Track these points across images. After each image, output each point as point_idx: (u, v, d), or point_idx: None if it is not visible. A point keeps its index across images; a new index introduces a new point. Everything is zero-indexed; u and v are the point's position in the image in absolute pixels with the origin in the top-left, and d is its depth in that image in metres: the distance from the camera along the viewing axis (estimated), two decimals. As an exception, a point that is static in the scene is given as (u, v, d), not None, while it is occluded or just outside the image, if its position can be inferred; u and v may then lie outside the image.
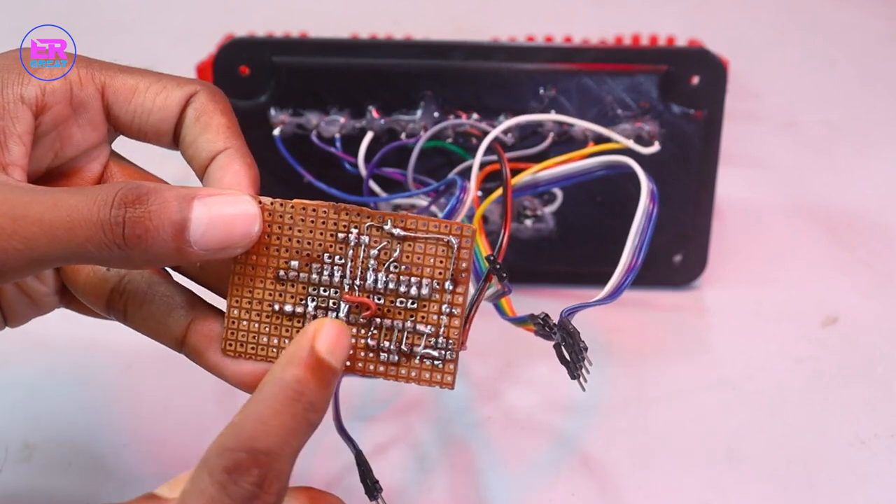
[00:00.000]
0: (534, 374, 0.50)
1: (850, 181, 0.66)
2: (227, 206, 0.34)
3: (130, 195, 0.33)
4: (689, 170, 0.53)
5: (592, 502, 0.44)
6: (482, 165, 0.48)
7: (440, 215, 0.40)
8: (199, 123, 0.37)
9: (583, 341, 0.35)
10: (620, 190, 0.50)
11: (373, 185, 0.50)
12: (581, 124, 0.48)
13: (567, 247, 0.54)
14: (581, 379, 0.35)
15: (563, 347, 0.35)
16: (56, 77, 0.36)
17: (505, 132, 0.50)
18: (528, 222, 0.53)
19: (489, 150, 0.45)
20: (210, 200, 0.33)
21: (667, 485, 0.45)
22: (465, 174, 0.49)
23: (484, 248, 0.41)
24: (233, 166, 0.36)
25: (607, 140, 0.49)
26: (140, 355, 0.50)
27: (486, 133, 0.48)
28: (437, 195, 0.47)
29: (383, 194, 0.50)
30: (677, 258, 0.55)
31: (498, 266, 0.35)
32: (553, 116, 0.49)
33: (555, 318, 0.36)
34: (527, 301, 0.41)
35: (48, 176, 0.38)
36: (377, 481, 0.39)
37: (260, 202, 0.35)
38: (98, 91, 0.37)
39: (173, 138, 0.38)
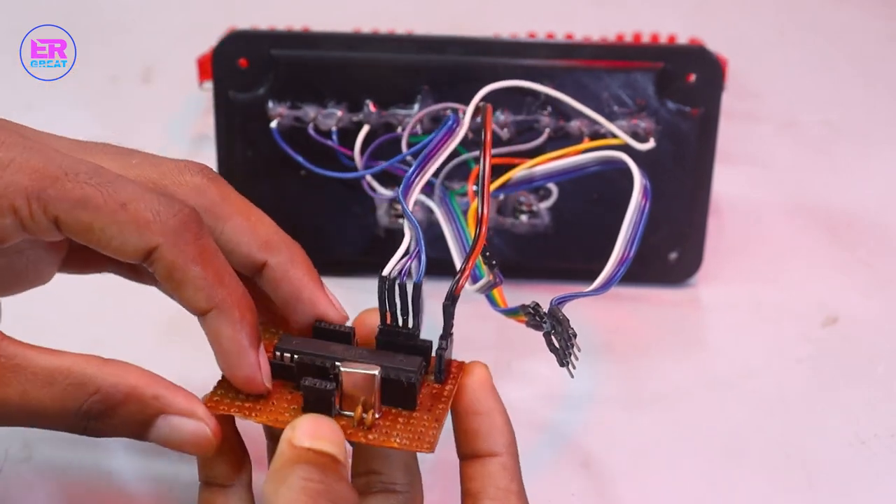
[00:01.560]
0: (533, 374, 0.50)
1: (850, 181, 0.66)
2: (186, 431, 0.34)
3: (95, 409, 0.33)
4: (684, 167, 0.53)
5: (592, 502, 0.44)
6: (478, 160, 0.49)
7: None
8: (173, 281, 0.34)
9: (572, 328, 0.35)
10: (616, 186, 0.50)
11: (370, 180, 0.50)
12: (576, 105, 0.48)
13: (562, 243, 0.54)
14: (570, 366, 0.35)
15: (552, 336, 0.36)
16: (6, 216, 0.33)
17: (501, 126, 0.50)
18: (524, 218, 0.54)
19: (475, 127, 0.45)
20: (175, 422, 0.34)
21: (666, 485, 0.45)
22: (459, 172, 0.49)
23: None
24: (225, 331, 0.35)
25: (603, 135, 0.50)
26: (140, 355, 0.50)
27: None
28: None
29: (380, 189, 0.50)
30: (673, 256, 0.55)
31: (488, 254, 0.36)
32: (547, 90, 0.49)
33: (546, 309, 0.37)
34: (522, 297, 0.40)
35: None
36: None
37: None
38: (51, 222, 0.34)
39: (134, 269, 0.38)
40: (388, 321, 0.36)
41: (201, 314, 0.35)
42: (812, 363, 0.51)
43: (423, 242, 0.36)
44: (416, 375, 0.34)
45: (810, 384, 0.50)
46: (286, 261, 0.37)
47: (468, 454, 0.35)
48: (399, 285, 0.35)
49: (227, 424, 0.36)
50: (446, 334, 0.36)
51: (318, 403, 0.34)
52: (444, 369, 0.36)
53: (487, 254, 0.37)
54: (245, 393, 0.36)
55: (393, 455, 0.36)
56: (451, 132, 0.42)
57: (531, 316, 0.37)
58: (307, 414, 0.33)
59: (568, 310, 0.38)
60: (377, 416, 0.34)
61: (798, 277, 0.57)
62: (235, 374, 0.35)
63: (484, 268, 0.40)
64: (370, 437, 0.34)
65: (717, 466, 0.46)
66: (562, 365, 0.35)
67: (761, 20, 0.83)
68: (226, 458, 0.36)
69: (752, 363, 0.52)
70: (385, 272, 0.35)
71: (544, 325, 0.36)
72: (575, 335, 0.35)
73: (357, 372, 0.34)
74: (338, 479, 0.31)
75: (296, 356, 0.35)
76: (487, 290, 0.40)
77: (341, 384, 0.34)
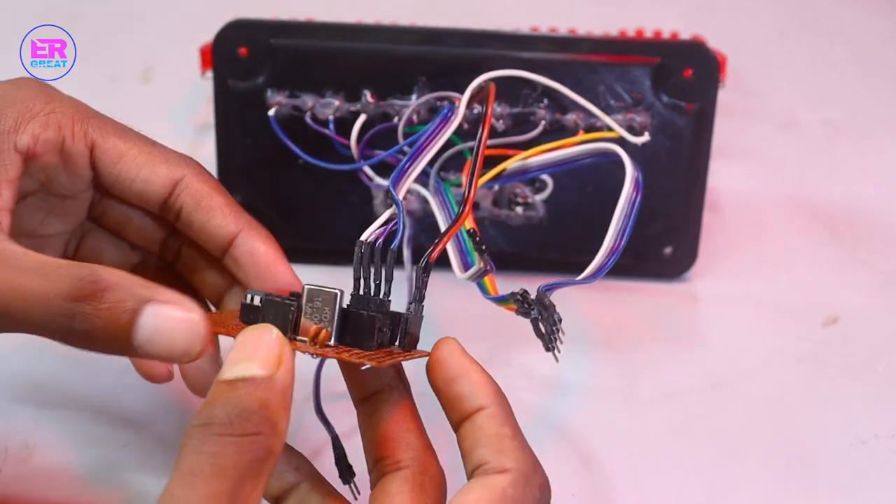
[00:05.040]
0: (533, 375, 0.50)
1: (850, 181, 0.66)
2: (174, 321, 0.32)
3: (86, 290, 0.32)
4: (679, 162, 0.53)
5: (592, 502, 0.44)
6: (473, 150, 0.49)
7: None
8: (201, 209, 0.38)
9: (557, 313, 0.35)
10: (611, 179, 0.50)
11: (367, 169, 0.51)
12: (571, 96, 0.49)
13: (557, 235, 0.54)
14: (555, 351, 0.35)
15: (539, 322, 0.36)
16: (51, 130, 0.37)
17: (497, 118, 0.50)
18: (519, 209, 0.54)
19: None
20: (162, 309, 0.32)
21: (667, 485, 0.45)
22: (454, 163, 0.49)
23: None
24: (258, 248, 0.38)
25: (599, 129, 0.50)
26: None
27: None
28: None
29: (377, 179, 0.51)
30: (668, 250, 0.55)
31: (478, 239, 0.36)
32: (543, 79, 0.49)
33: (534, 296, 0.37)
34: (516, 288, 0.41)
35: None
36: (351, 466, 0.40)
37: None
38: (87, 148, 0.38)
39: (159, 209, 0.40)
40: (362, 291, 0.35)
41: (230, 239, 0.38)
42: (812, 363, 0.52)
43: (403, 216, 0.36)
44: (374, 314, 0.34)
45: (810, 384, 0.50)
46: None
47: (458, 421, 0.35)
48: (376, 249, 0.35)
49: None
50: (416, 300, 0.35)
51: (276, 319, 0.34)
52: (408, 337, 0.35)
53: (478, 239, 0.37)
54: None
55: (392, 433, 0.35)
56: (445, 120, 0.42)
57: (520, 303, 0.37)
58: (250, 327, 0.32)
59: (565, 303, 0.38)
60: (331, 335, 0.34)
61: (798, 277, 0.58)
62: (278, 280, 0.38)
63: (475, 255, 0.40)
64: (318, 349, 0.33)
65: (717, 466, 0.46)
66: (547, 350, 0.36)
67: (763, 19, 0.83)
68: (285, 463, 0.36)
69: (749, 359, 0.52)
70: (363, 237, 0.35)
71: (532, 312, 0.36)
72: (560, 320, 0.35)
73: (321, 287, 0.34)
74: (228, 406, 0.30)
75: (266, 297, 0.35)
76: (478, 278, 0.41)
77: (301, 306, 0.34)
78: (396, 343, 0.35)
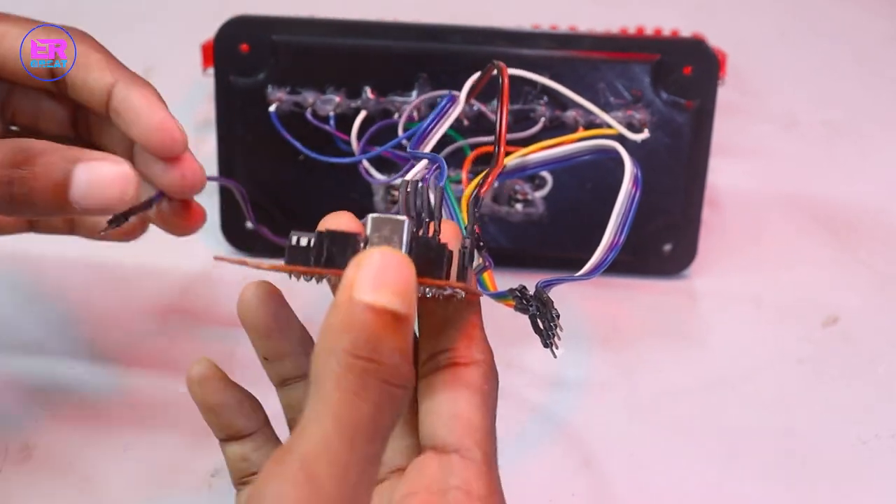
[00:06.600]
0: (532, 372, 0.51)
1: (850, 181, 0.66)
2: (105, 172, 0.36)
3: (18, 156, 0.36)
4: (679, 159, 0.53)
5: (592, 502, 0.44)
6: (473, 147, 0.49)
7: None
8: (79, 67, 0.40)
9: (555, 309, 0.35)
10: (611, 176, 0.50)
11: (366, 164, 0.51)
12: (571, 95, 0.49)
13: (556, 231, 0.54)
14: (553, 347, 0.35)
15: (537, 318, 0.36)
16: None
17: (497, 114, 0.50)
18: (519, 206, 0.54)
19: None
20: (92, 165, 0.36)
21: (667, 485, 0.45)
22: (454, 159, 0.49)
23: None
24: (132, 95, 0.39)
25: (599, 126, 0.50)
26: (141, 356, 0.51)
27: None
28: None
29: (377, 174, 0.51)
30: (667, 247, 0.55)
31: (477, 235, 0.36)
32: (542, 79, 0.50)
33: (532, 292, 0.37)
34: (515, 285, 0.41)
35: None
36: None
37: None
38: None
39: (49, 81, 0.41)
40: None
41: (108, 91, 0.39)
42: (812, 363, 0.51)
43: (442, 159, 0.37)
44: (445, 242, 0.32)
45: (810, 384, 0.50)
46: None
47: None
48: (422, 186, 0.33)
49: (225, 386, 0.36)
50: (471, 233, 0.35)
51: (343, 253, 0.31)
52: (466, 270, 0.33)
53: (477, 235, 0.37)
54: (164, 155, 0.38)
55: (469, 332, 0.34)
56: (452, 100, 0.43)
57: (518, 299, 0.37)
58: (375, 248, 0.29)
59: (564, 299, 0.38)
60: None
61: (798, 277, 0.58)
62: (157, 123, 0.38)
63: (474, 251, 0.40)
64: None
65: (717, 466, 0.46)
66: (545, 346, 0.36)
67: (763, 19, 0.83)
68: (242, 410, 0.37)
69: (749, 359, 0.52)
70: (408, 177, 0.35)
71: (530, 308, 0.36)
72: (558, 316, 0.35)
73: (387, 217, 0.32)
74: (393, 349, 0.28)
75: (321, 233, 0.32)
76: (478, 274, 0.41)
77: (367, 238, 0.32)
78: (454, 277, 0.33)
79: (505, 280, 0.41)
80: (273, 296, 0.36)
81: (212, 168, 0.55)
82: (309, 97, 0.51)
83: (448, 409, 0.32)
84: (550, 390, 0.50)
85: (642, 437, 0.47)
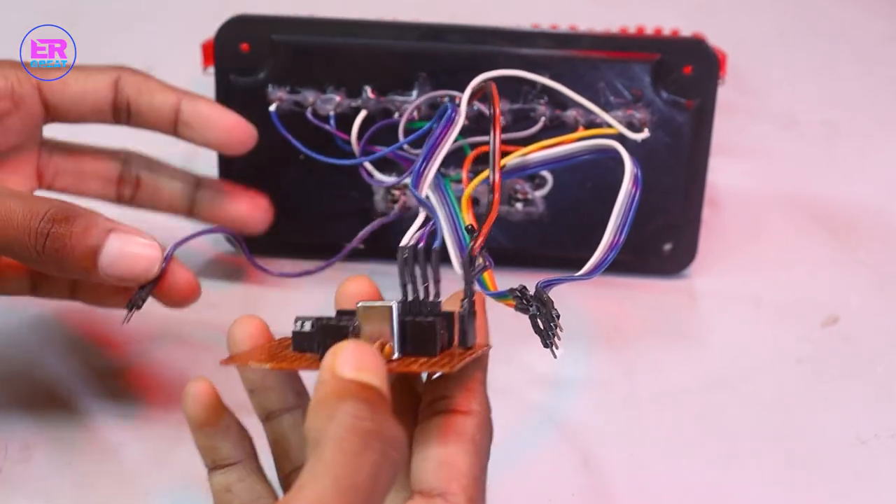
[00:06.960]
0: (533, 372, 0.50)
1: (850, 181, 0.66)
2: (136, 247, 0.39)
3: (60, 214, 0.38)
4: (679, 159, 0.53)
5: (592, 502, 0.44)
6: (473, 146, 0.49)
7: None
8: (143, 93, 0.45)
9: (555, 309, 0.35)
10: (611, 176, 0.50)
11: (367, 165, 0.51)
12: (571, 94, 0.49)
13: (557, 231, 0.54)
14: (553, 347, 0.35)
15: (537, 318, 0.36)
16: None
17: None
18: (519, 206, 0.54)
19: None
20: (125, 238, 0.39)
21: (667, 485, 0.45)
22: (454, 159, 0.49)
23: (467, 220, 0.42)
24: (200, 104, 0.45)
25: (599, 125, 0.50)
26: (141, 356, 0.51)
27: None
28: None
29: (378, 175, 0.51)
30: (667, 247, 0.56)
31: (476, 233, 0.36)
32: (543, 79, 0.49)
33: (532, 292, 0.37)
34: (515, 284, 0.41)
35: None
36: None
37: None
38: (35, 88, 0.44)
39: (112, 114, 0.46)
40: (409, 297, 0.35)
41: (175, 108, 0.45)
42: (812, 363, 0.51)
43: (438, 216, 0.38)
44: (434, 319, 0.33)
45: (810, 384, 0.50)
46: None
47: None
48: (421, 250, 0.34)
49: (218, 408, 0.36)
50: (467, 295, 0.35)
51: (334, 342, 0.32)
52: (466, 335, 0.34)
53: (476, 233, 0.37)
54: (240, 151, 0.47)
55: (468, 385, 0.34)
56: (450, 122, 0.42)
57: (518, 299, 0.37)
58: (348, 341, 0.31)
59: (564, 299, 0.38)
60: (394, 350, 0.33)
61: (798, 277, 0.58)
62: (228, 125, 0.46)
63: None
64: (391, 365, 0.32)
65: (717, 466, 0.46)
66: (546, 346, 0.36)
67: (763, 19, 0.83)
68: (229, 436, 0.36)
69: (749, 358, 0.52)
70: (403, 243, 0.35)
71: (530, 308, 0.36)
72: (558, 316, 0.35)
73: (374, 305, 0.33)
74: (385, 416, 0.29)
75: (316, 321, 0.34)
76: (478, 274, 0.41)
77: (359, 325, 0.33)
78: (456, 342, 0.35)
79: (505, 280, 0.41)
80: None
81: (212, 168, 0.55)
82: (309, 96, 0.51)
83: (438, 455, 0.33)
84: (550, 390, 0.50)
85: (642, 437, 0.47)
